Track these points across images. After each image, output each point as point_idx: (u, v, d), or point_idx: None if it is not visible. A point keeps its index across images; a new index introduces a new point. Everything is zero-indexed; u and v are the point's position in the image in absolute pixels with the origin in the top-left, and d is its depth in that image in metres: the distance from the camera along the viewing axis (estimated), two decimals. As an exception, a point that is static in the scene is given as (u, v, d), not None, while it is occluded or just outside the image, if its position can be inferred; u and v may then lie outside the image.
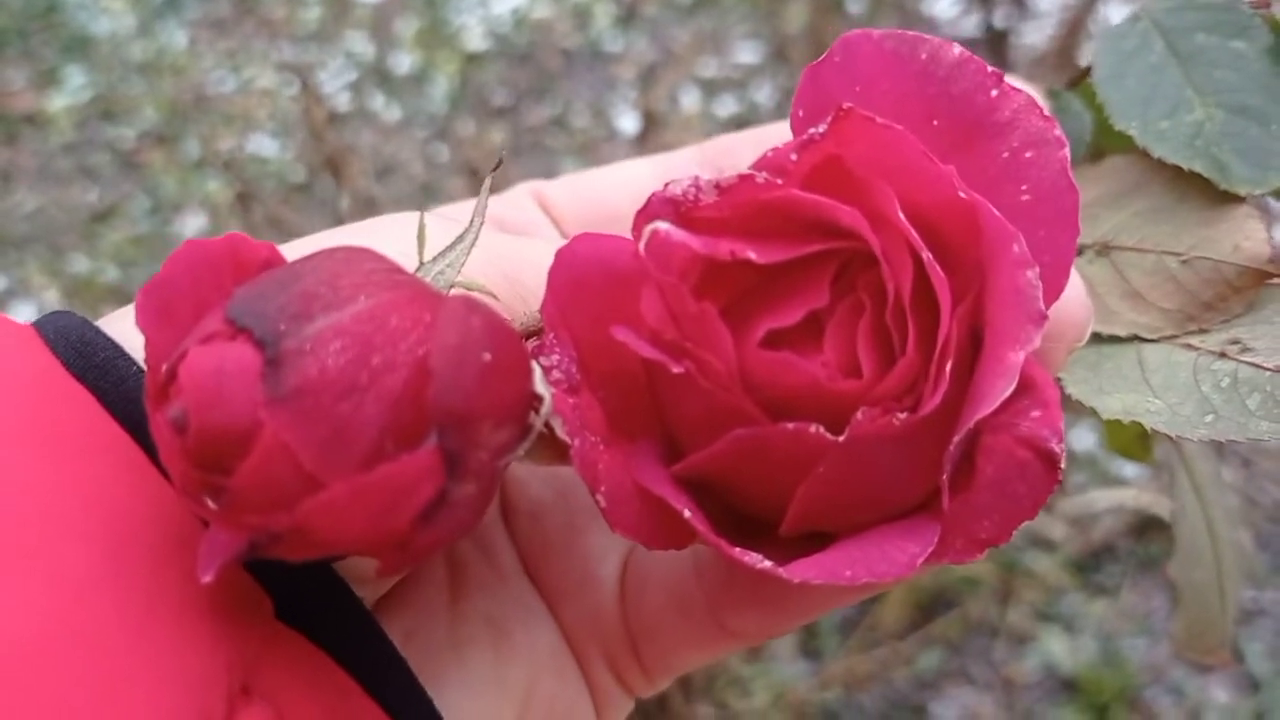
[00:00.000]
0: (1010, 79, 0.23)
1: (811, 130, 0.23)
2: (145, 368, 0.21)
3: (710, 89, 1.80)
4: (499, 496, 0.31)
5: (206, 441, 0.19)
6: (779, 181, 0.23)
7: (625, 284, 0.23)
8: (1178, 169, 0.30)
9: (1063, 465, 0.22)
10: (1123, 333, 0.29)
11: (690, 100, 1.78)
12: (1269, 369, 0.26)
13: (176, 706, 0.19)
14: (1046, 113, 0.23)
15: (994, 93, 0.23)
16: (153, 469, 0.22)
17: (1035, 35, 1.61)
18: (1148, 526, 1.20)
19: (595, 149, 1.74)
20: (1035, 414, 0.22)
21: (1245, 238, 0.29)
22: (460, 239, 0.24)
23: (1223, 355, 0.27)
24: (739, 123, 1.76)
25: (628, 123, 1.76)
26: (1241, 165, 0.29)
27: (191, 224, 1.71)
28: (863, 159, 0.23)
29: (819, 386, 0.22)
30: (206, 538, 0.20)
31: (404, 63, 1.92)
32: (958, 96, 0.23)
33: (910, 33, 0.24)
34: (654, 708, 0.84)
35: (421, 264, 0.24)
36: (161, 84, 1.91)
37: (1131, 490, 1.09)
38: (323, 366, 0.19)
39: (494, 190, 0.27)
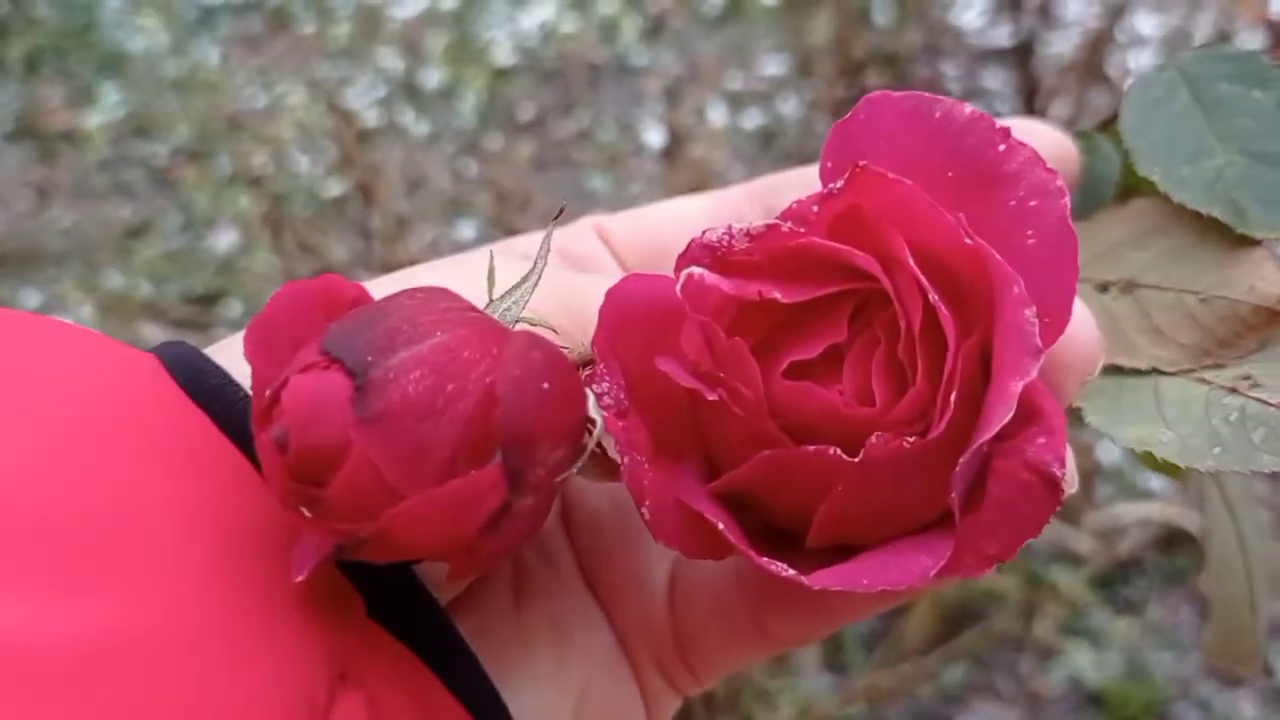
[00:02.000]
0: (1026, 126, 0.25)
1: (831, 185, 0.25)
2: (250, 393, 0.23)
3: (737, 102, 1.81)
4: (560, 507, 0.33)
5: (304, 458, 0.22)
6: (802, 230, 0.25)
7: (668, 320, 0.26)
8: (1198, 213, 0.31)
9: (1065, 488, 0.24)
10: (1143, 366, 0.31)
11: (717, 114, 1.79)
12: (1274, 405, 0.28)
13: (288, 690, 0.22)
14: (1049, 166, 0.25)
15: (1002, 147, 0.25)
16: (262, 483, 0.24)
17: (1062, 45, 1.61)
18: (1175, 540, 1.20)
19: (623, 163, 1.75)
20: (1040, 440, 0.24)
21: (1260, 279, 0.30)
22: (525, 279, 0.27)
23: (1233, 390, 0.29)
24: (765, 135, 1.76)
25: (654, 137, 1.77)
26: (1258, 210, 0.31)
27: (224, 240, 1.73)
28: (878, 209, 0.25)
29: (837, 413, 0.25)
30: (299, 542, 0.23)
31: (433, 78, 1.94)
32: (969, 150, 0.25)
33: (927, 94, 0.26)
34: (677, 718, 0.85)
35: (491, 301, 0.27)
36: (195, 101, 1.93)
37: (1158, 504, 1.09)
38: (404, 393, 0.22)
39: (541, 219, 0.28)
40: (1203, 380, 0.30)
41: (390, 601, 0.26)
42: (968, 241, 0.24)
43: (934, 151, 0.26)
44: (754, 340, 0.26)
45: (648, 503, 0.25)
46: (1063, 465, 0.24)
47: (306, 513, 0.22)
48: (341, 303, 0.24)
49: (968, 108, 0.25)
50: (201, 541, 0.23)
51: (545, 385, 0.23)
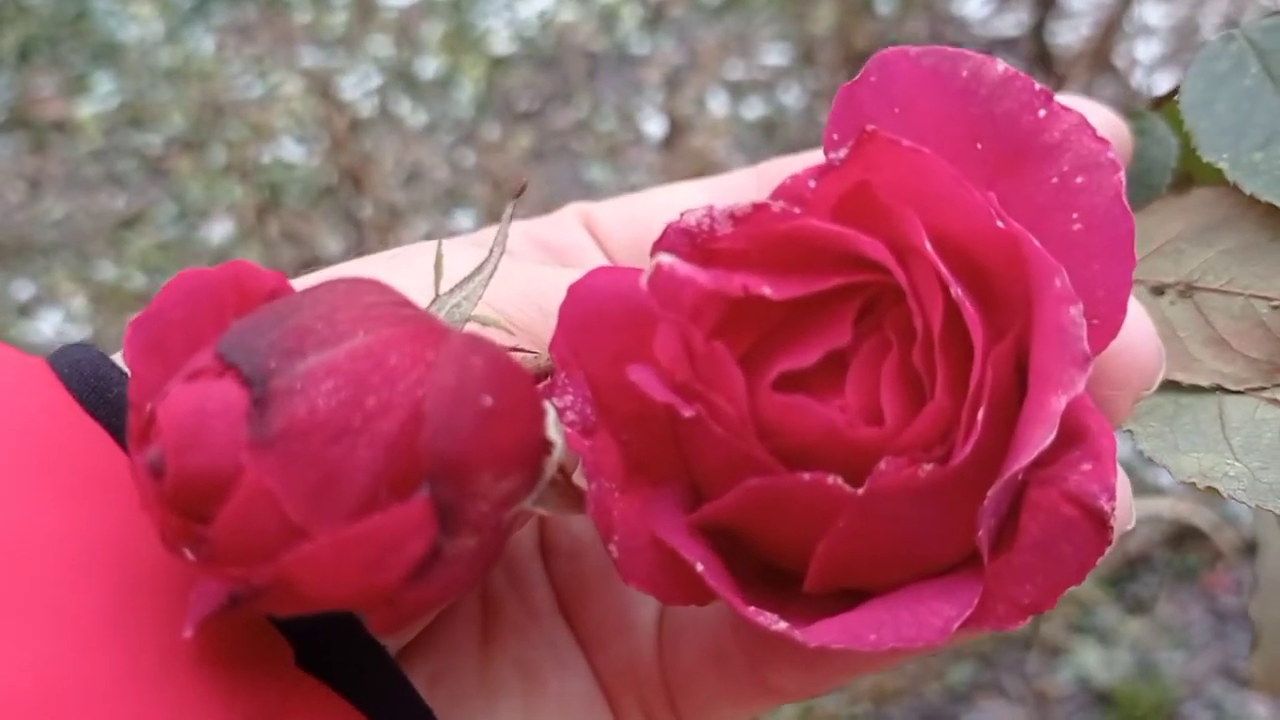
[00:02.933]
0: (1068, 103, 0.22)
1: (832, 155, 0.21)
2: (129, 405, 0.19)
3: (738, 91, 1.79)
4: (537, 533, 0.30)
5: (184, 486, 0.18)
6: (797, 210, 0.21)
7: (643, 320, 0.22)
8: (1271, 205, 0.28)
9: (1113, 525, 0.20)
10: (1204, 382, 0.27)
11: (718, 103, 1.77)
12: None
13: None
14: (1099, 134, 0.21)
15: (1042, 113, 0.21)
16: None
17: (1069, 35, 1.59)
18: (1185, 537, 1.18)
19: (622, 153, 1.74)
20: (1086, 467, 0.20)
21: None
22: (479, 270, 0.23)
23: None
24: (767, 125, 1.75)
25: (654, 126, 1.75)
26: None
27: (218, 230, 1.72)
28: (891, 186, 0.21)
29: (838, 433, 0.21)
30: (197, 588, 0.19)
31: (429, 67, 1.92)
32: (1002, 117, 0.21)
33: (950, 49, 0.22)
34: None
35: (437, 296, 0.23)
36: (188, 90, 1.91)
37: (1168, 500, 1.07)
38: (312, 407, 0.18)
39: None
40: (1275, 401, 0.26)
41: (326, 648, 0.22)
42: (999, 225, 0.20)
43: (959, 119, 0.22)
44: (740, 345, 0.22)
45: (616, 537, 0.21)
46: (1112, 497, 0.20)
47: (189, 554, 0.18)
48: (255, 295, 0.20)
49: (1000, 65, 0.21)
50: (90, 583, 0.19)
51: (487, 400, 0.19)
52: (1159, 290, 0.28)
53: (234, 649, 0.20)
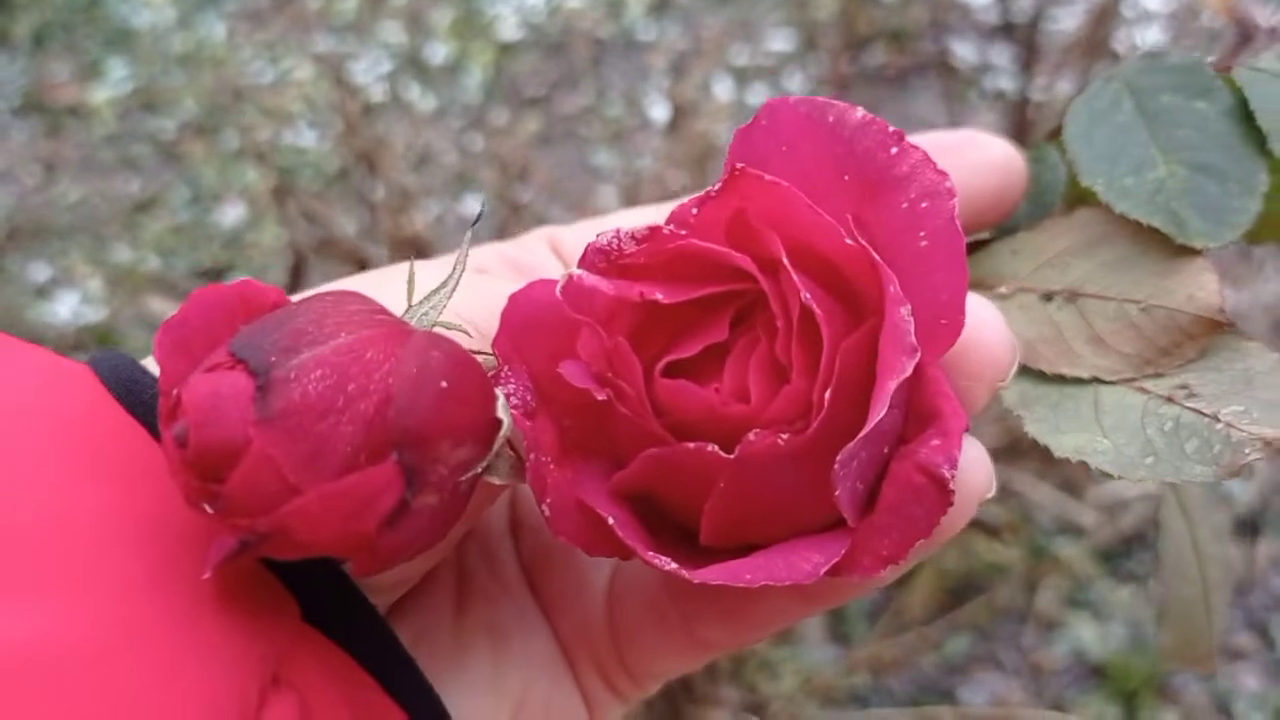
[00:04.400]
0: (972, 137, 0.26)
1: (709, 188, 0.26)
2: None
3: (742, 77, 1.80)
4: (508, 512, 0.34)
5: (204, 454, 0.22)
6: (683, 233, 0.26)
7: (574, 324, 0.26)
8: (1140, 223, 0.32)
9: (953, 489, 0.24)
10: (1085, 375, 0.31)
11: (723, 89, 1.79)
12: (1208, 415, 0.28)
13: (218, 691, 0.22)
14: (939, 167, 0.25)
15: (894, 150, 0.25)
16: None
17: (1070, 21, 1.60)
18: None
19: (629, 138, 1.75)
20: (935, 443, 0.24)
21: (1199, 289, 0.30)
22: (444, 284, 0.27)
23: (1170, 400, 0.29)
24: (771, 111, 1.75)
25: (660, 111, 1.76)
26: (1199, 220, 0.31)
27: (231, 214, 1.73)
28: (760, 212, 0.25)
29: (714, 411, 0.25)
30: (214, 542, 0.23)
31: (439, 53, 1.93)
32: (862, 154, 0.26)
33: (821, 99, 0.26)
34: (679, 690, 0.85)
35: (410, 306, 0.27)
36: (201, 75, 1.93)
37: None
38: (304, 392, 0.22)
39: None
40: (1142, 389, 0.30)
41: (327, 606, 0.26)
42: (849, 242, 0.25)
43: (831, 155, 0.26)
44: (648, 342, 0.26)
45: (548, 500, 0.25)
46: (953, 467, 0.24)
47: (208, 508, 0.22)
48: (259, 307, 0.25)
49: (860, 112, 0.26)
50: (131, 549, 0.23)
51: (443, 384, 0.23)
52: (1048, 296, 0.33)
53: (250, 601, 0.24)
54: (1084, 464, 0.28)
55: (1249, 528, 1.22)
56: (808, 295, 0.24)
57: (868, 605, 1.17)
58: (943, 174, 0.25)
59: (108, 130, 1.88)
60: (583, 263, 0.26)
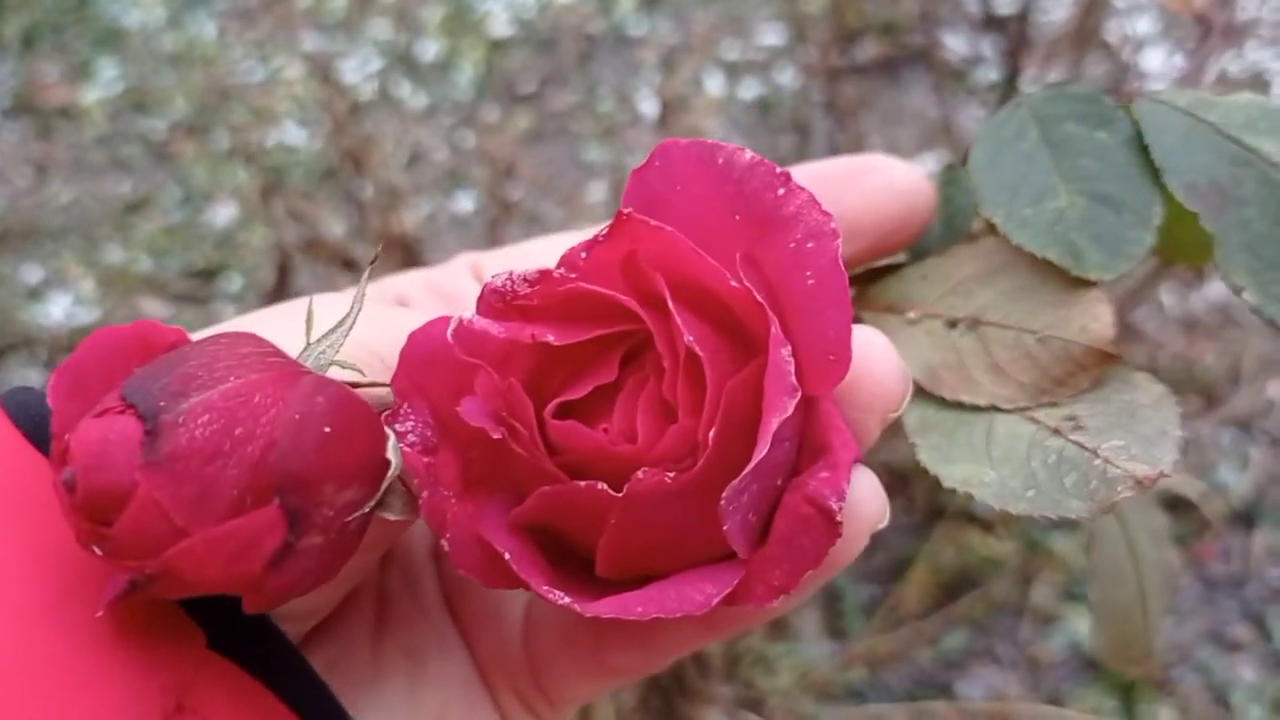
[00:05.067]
0: (878, 163, 0.29)
1: (597, 232, 0.26)
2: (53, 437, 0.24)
3: (733, 72, 1.80)
4: (431, 539, 0.34)
5: (92, 499, 0.22)
6: (572, 275, 0.26)
7: (472, 365, 0.26)
8: None
9: (840, 520, 0.24)
10: (983, 402, 0.31)
11: (714, 84, 1.78)
12: (1089, 449, 0.29)
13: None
14: (824, 208, 0.26)
15: (781, 191, 0.26)
16: None
17: (1060, 12, 1.60)
18: (1173, 506, 1.20)
19: (620, 133, 1.75)
20: (823, 475, 0.25)
21: (1093, 319, 0.31)
22: (341, 322, 0.27)
23: (1056, 432, 0.30)
24: (762, 105, 1.76)
25: (651, 107, 1.76)
26: (1096, 251, 0.31)
27: (222, 213, 1.73)
28: (648, 255, 0.26)
29: (603, 450, 0.26)
30: (109, 579, 0.23)
31: (429, 50, 1.93)
32: (751, 195, 0.26)
33: (710, 141, 0.27)
34: (673, 687, 0.85)
35: (308, 345, 0.27)
36: (191, 75, 1.93)
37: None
38: (191, 436, 0.23)
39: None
40: (1033, 419, 0.30)
41: (237, 635, 0.26)
42: (733, 284, 0.25)
43: (721, 196, 0.26)
44: (536, 381, 0.27)
45: (449, 534, 0.26)
46: (841, 499, 0.25)
47: (97, 550, 0.23)
48: (158, 347, 0.25)
49: (748, 154, 0.26)
50: (30, 580, 0.24)
51: (327, 428, 0.24)
52: (953, 323, 0.33)
53: (152, 632, 0.25)
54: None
55: (1245, 520, 1.22)
56: (690, 337, 0.25)
57: (864, 600, 1.17)
58: (827, 215, 0.26)
59: (98, 131, 1.88)
60: (480, 304, 0.26)
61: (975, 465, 0.30)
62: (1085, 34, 1.16)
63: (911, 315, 0.33)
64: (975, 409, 0.31)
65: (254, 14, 2.02)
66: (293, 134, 1.83)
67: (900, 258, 0.36)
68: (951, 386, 0.31)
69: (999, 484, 0.29)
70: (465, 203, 1.67)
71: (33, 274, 1.68)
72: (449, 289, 0.36)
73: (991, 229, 0.33)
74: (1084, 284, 0.31)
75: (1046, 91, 0.35)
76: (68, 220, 1.75)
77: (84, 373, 0.24)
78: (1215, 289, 1.34)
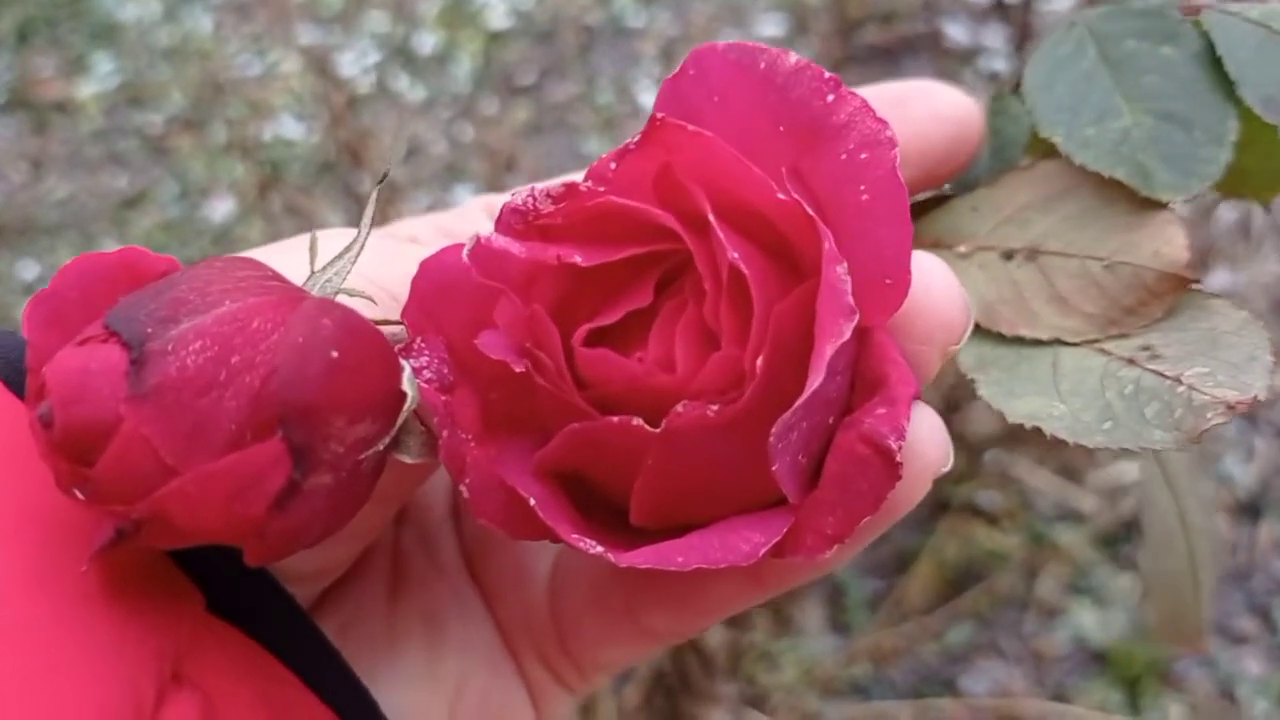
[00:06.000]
0: (923, 87, 0.24)
1: (628, 141, 0.24)
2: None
3: (734, 63, 1.78)
4: (450, 493, 0.32)
5: (71, 435, 0.20)
6: (601, 189, 0.24)
7: (492, 290, 0.24)
8: (1103, 176, 0.30)
9: (900, 461, 0.22)
10: (1045, 336, 0.29)
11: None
12: (1170, 378, 0.27)
13: (109, 692, 0.21)
14: (879, 115, 0.24)
15: (830, 97, 0.24)
16: None
17: (1063, 2, 1.59)
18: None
19: (620, 125, 1.74)
20: (880, 411, 0.23)
21: (1165, 243, 0.29)
22: (347, 249, 0.25)
23: (1131, 362, 0.28)
24: (763, 96, 1.74)
25: (651, 98, 1.75)
26: (1165, 171, 0.29)
27: (220, 208, 1.72)
28: (688, 166, 0.24)
29: (639, 381, 0.23)
30: (96, 531, 0.21)
31: (427, 43, 1.92)
32: (796, 102, 0.24)
33: (751, 44, 0.24)
34: (677, 686, 0.85)
35: (312, 273, 0.25)
36: (188, 69, 1.92)
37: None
38: (182, 365, 0.20)
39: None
40: (1103, 351, 0.28)
41: (240, 596, 0.24)
42: (781, 196, 0.23)
43: (764, 105, 0.24)
44: (562, 307, 0.24)
45: (468, 480, 0.24)
46: (901, 437, 0.22)
47: (79, 494, 0.21)
48: (147, 276, 0.23)
49: (793, 57, 0.24)
50: (9, 535, 0.21)
51: (333, 353, 0.21)
52: (1009, 255, 0.31)
53: (147, 595, 0.22)
54: (1060, 440, 0.27)
55: (1250, 510, 1.21)
56: (735, 254, 0.22)
57: (868, 595, 1.16)
58: (882, 122, 0.23)
59: (94, 126, 1.87)
60: (498, 224, 0.24)
61: (1043, 399, 0.28)
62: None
63: (962, 249, 0.31)
64: (1037, 343, 0.29)
65: (250, 7, 2.01)
66: (290, 128, 1.81)
67: (945, 190, 0.34)
68: (1010, 321, 0.30)
69: (1070, 417, 0.27)
70: (464, 196, 1.66)
71: (29, 270, 1.67)
72: (461, 232, 0.33)
73: (1044, 157, 0.31)
74: (1153, 206, 0.29)
75: (1105, 9, 0.33)
76: (64, 216, 1.74)
77: (64, 302, 0.22)
78: (1218, 277, 1.33)
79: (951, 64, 1.63)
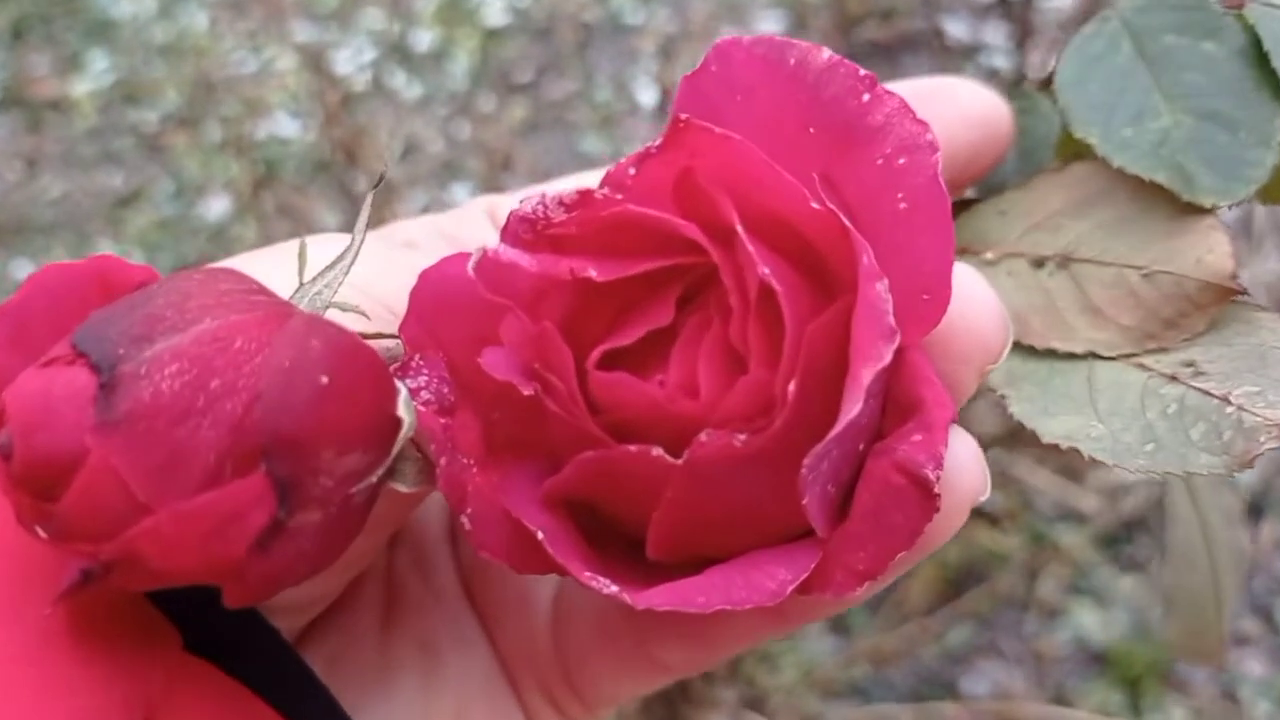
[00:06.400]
0: (951, 84, 0.23)
1: (649, 143, 0.22)
2: None
3: (732, 60, 1.78)
4: (447, 515, 0.30)
5: (32, 467, 0.19)
6: (619, 197, 0.22)
7: (498, 305, 0.23)
8: (1142, 179, 0.29)
9: (937, 493, 0.21)
10: (1079, 349, 0.28)
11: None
12: (1217, 397, 0.25)
13: None
14: (919, 117, 0.22)
15: (865, 97, 0.22)
16: None
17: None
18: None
19: (618, 123, 1.73)
20: (916, 438, 0.21)
21: (1209, 251, 0.27)
22: (340, 259, 0.23)
23: (1174, 379, 0.26)
24: (762, 94, 1.74)
25: (649, 96, 1.75)
26: (1208, 175, 0.28)
27: (215, 207, 1.71)
28: (712, 171, 0.22)
29: (659, 407, 0.22)
30: (65, 569, 0.19)
31: (424, 40, 1.91)
32: (829, 102, 0.22)
33: (779, 38, 0.23)
34: (675, 690, 0.84)
35: (300, 285, 0.23)
36: (183, 67, 1.91)
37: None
38: (156, 390, 0.19)
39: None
40: (1142, 366, 0.27)
41: (219, 631, 0.23)
42: (815, 206, 0.21)
43: (793, 104, 0.22)
44: (574, 325, 0.22)
45: (469, 510, 0.22)
46: (938, 466, 0.21)
47: (41, 532, 0.19)
48: (121, 287, 0.21)
49: (825, 53, 0.22)
50: None
51: (323, 379, 0.19)
52: (1039, 263, 0.29)
53: (115, 634, 0.21)
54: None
55: (1252, 511, 1.21)
56: (766, 269, 0.21)
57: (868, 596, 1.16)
58: (923, 124, 0.22)
59: (89, 124, 1.86)
60: (505, 233, 0.22)
61: (1079, 418, 0.26)
62: (1088, 19, 1.14)
63: (989, 256, 0.30)
64: (1070, 357, 0.28)
65: (245, 4, 2.00)
66: (285, 126, 1.81)
67: (967, 194, 0.32)
68: (1040, 333, 0.28)
69: (1110, 438, 0.25)
70: (461, 195, 1.65)
71: (22, 269, 1.65)
72: (463, 236, 0.31)
73: (1074, 159, 0.30)
74: (1195, 212, 0.28)
75: (1141, 2, 0.31)
76: (58, 214, 1.73)
77: (29, 316, 0.20)
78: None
79: (952, 61, 1.62)
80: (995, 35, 1.66)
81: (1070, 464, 1.20)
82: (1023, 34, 1.13)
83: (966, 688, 1.11)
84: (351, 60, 1.87)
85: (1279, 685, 1.08)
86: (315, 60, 1.66)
